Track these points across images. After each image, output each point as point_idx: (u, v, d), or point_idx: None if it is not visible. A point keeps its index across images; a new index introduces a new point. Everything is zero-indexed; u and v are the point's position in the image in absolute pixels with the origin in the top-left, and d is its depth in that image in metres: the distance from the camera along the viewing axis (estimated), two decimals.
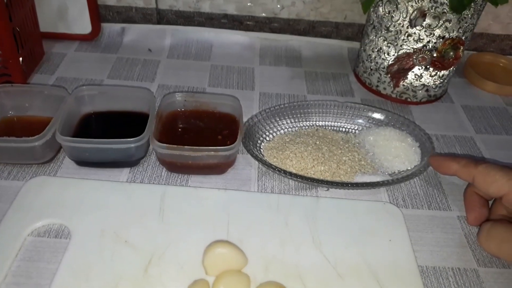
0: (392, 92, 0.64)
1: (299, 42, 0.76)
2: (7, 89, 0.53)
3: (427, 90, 0.63)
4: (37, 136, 0.46)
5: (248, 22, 0.77)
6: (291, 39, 0.76)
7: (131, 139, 0.46)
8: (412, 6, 0.55)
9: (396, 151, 0.52)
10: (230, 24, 0.78)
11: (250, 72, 0.69)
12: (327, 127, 0.57)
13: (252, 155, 0.50)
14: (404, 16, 0.56)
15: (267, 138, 0.55)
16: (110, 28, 0.75)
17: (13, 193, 0.46)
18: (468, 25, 0.57)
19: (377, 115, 0.57)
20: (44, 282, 0.39)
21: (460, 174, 0.46)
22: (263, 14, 0.76)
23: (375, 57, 0.63)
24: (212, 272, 0.39)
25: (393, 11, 0.57)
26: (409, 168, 0.51)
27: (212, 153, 0.47)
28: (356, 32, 0.78)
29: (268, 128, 0.55)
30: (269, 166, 0.49)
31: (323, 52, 0.75)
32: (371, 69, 0.65)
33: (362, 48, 0.66)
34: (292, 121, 0.57)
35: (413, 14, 0.56)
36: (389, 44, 0.60)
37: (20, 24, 0.60)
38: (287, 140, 0.53)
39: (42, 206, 0.45)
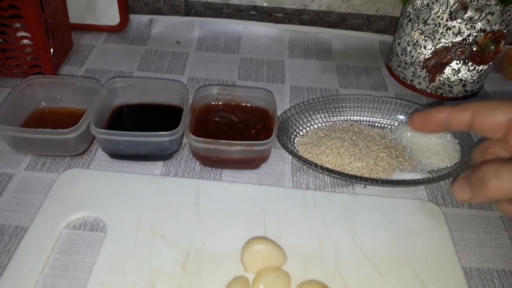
0: (427, 87, 0.62)
1: (329, 35, 0.74)
2: (40, 80, 0.53)
3: (464, 85, 0.61)
4: (71, 128, 0.46)
5: (277, 14, 0.76)
6: (321, 32, 0.75)
7: (167, 132, 0.45)
8: None
9: (435, 148, 0.50)
10: (259, 16, 0.76)
11: (280, 65, 0.68)
12: (362, 122, 0.55)
13: (287, 150, 0.48)
14: (444, 8, 0.54)
15: (301, 133, 0.53)
16: (138, 20, 0.74)
17: (47, 185, 0.46)
18: (511, 18, 0.55)
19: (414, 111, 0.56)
20: (81, 276, 0.38)
21: (454, 118, 0.35)
22: (293, 6, 0.74)
23: (410, 51, 0.61)
24: (251, 269, 0.38)
25: (432, 3, 0.55)
26: (449, 165, 0.49)
27: (248, 147, 0.46)
28: (388, 25, 0.76)
29: (302, 122, 0.54)
30: (305, 161, 0.48)
31: (354, 45, 0.73)
32: (406, 63, 0.63)
33: (396, 42, 0.64)
34: (326, 115, 0.55)
35: (454, 7, 0.54)
36: (426, 38, 0.58)
37: (51, 15, 0.59)
38: (322, 135, 0.52)
39: (77, 198, 0.44)
